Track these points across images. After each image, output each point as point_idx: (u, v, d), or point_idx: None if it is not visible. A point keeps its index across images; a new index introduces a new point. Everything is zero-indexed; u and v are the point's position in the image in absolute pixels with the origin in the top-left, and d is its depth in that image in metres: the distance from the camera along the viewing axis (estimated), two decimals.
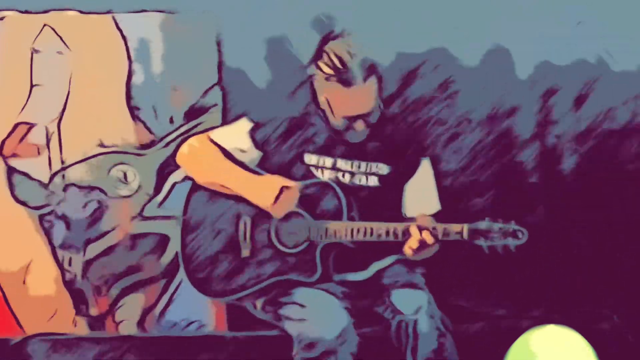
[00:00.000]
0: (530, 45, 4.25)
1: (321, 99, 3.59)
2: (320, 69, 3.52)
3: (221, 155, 3.66)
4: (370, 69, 3.49)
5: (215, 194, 3.67)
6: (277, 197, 3.54)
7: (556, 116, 4.30)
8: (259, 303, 3.67)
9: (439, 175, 3.79)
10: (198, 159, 3.70)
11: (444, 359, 3.46)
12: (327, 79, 3.51)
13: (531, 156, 4.30)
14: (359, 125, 3.56)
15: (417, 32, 4.22)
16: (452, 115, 4.26)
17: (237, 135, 3.70)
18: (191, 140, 3.76)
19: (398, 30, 4.20)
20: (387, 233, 3.52)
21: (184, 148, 3.75)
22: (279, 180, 3.55)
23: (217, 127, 3.88)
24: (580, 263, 4.31)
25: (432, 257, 3.65)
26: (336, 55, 3.49)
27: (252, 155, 3.67)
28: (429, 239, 3.44)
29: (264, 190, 3.56)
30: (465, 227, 3.44)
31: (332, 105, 3.54)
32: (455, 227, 3.46)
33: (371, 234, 3.53)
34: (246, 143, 3.67)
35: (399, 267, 3.69)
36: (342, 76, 3.47)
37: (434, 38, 4.22)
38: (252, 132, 3.69)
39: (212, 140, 3.70)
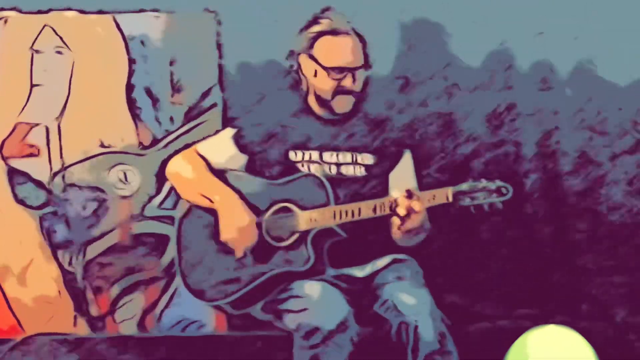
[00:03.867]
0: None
1: (308, 70, 3.65)
2: (312, 32, 3.64)
3: (207, 171, 3.69)
4: (355, 30, 3.65)
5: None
6: (236, 231, 3.59)
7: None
8: (259, 305, 3.67)
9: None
10: (184, 175, 3.73)
11: (444, 359, 3.46)
12: (316, 37, 3.63)
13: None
14: (348, 81, 3.61)
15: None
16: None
17: (222, 144, 3.73)
18: (179, 156, 3.79)
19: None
20: (375, 209, 3.53)
21: (172, 164, 3.78)
22: (246, 219, 3.59)
23: (203, 139, 3.89)
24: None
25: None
26: (326, 18, 3.66)
27: (239, 160, 3.70)
28: (417, 206, 3.45)
29: (231, 223, 3.59)
30: (450, 190, 3.45)
31: (324, 58, 3.62)
32: (439, 192, 3.47)
33: (359, 214, 3.54)
34: (232, 150, 3.71)
35: (398, 267, 3.70)
36: (333, 26, 3.63)
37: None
38: (236, 137, 3.72)
39: (199, 154, 3.73)
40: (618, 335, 4.25)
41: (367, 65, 3.67)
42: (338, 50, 3.63)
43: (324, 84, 3.65)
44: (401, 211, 3.46)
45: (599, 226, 4.30)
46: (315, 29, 3.65)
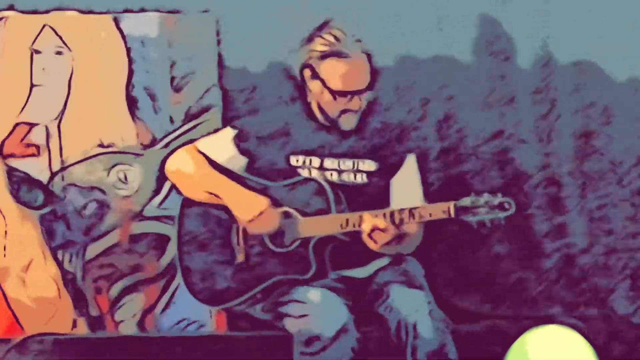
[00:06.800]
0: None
1: (314, 85, 3.62)
2: (315, 50, 3.58)
3: (208, 165, 3.69)
4: (360, 46, 3.59)
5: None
6: (256, 216, 3.57)
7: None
8: (259, 306, 3.67)
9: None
10: (185, 171, 3.72)
11: (444, 359, 3.46)
12: (322, 57, 3.57)
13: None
14: (355, 103, 3.59)
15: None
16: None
17: (222, 144, 3.72)
18: (178, 153, 3.78)
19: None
20: (347, 223, 3.53)
21: (172, 161, 3.78)
22: (263, 202, 3.58)
23: (203, 137, 3.88)
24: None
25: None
26: (330, 34, 3.58)
27: (239, 162, 3.70)
28: (381, 224, 3.44)
29: (246, 206, 3.58)
30: (452, 205, 3.44)
31: (330, 82, 3.58)
32: (441, 206, 3.46)
33: (341, 226, 3.54)
34: (232, 150, 3.70)
35: (398, 267, 3.70)
36: (338, 49, 3.55)
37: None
38: (237, 139, 3.71)
39: (199, 151, 3.72)
40: (618, 335, 4.25)
41: (373, 85, 3.63)
42: (345, 76, 3.57)
43: (329, 104, 3.63)
44: (366, 227, 3.46)
45: (599, 229, 4.31)
46: (321, 47, 3.58)
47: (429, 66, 4.27)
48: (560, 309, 4.28)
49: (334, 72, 3.57)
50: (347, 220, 3.52)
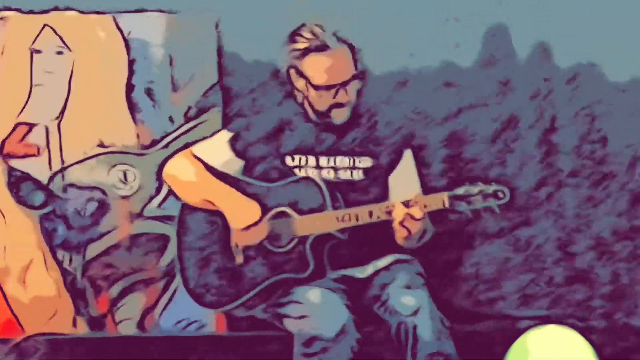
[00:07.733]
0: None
1: (300, 83, 3.64)
2: (296, 49, 3.60)
3: (204, 171, 3.69)
4: (340, 38, 3.59)
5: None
6: (249, 226, 3.58)
7: None
8: (259, 306, 3.67)
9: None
10: (183, 177, 3.72)
11: (444, 359, 3.46)
12: (303, 54, 3.59)
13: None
14: (342, 96, 3.58)
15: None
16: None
17: (218, 148, 3.73)
18: (175, 158, 3.79)
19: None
20: (371, 215, 3.52)
21: (169, 166, 3.78)
22: (256, 213, 3.59)
23: (199, 141, 3.88)
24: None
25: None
26: (308, 31, 3.60)
27: (235, 164, 3.70)
28: (417, 213, 3.43)
29: (240, 215, 3.60)
30: (446, 195, 3.44)
31: (313, 78, 3.59)
32: (435, 197, 3.47)
33: (356, 219, 3.53)
34: (227, 154, 3.70)
35: (398, 267, 3.69)
36: (317, 43, 3.57)
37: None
38: (232, 142, 3.71)
39: (195, 156, 3.72)
40: (618, 335, 4.25)
41: (358, 75, 3.64)
42: (326, 69, 3.58)
43: (317, 100, 3.63)
44: (398, 216, 3.45)
45: (599, 228, 4.31)
46: (300, 45, 3.60)
47: (428, 66, 4.27)
48: (560, 308, 4.28)
49: (315, 67, 3.59)
50: (370, 213, 3.52)
